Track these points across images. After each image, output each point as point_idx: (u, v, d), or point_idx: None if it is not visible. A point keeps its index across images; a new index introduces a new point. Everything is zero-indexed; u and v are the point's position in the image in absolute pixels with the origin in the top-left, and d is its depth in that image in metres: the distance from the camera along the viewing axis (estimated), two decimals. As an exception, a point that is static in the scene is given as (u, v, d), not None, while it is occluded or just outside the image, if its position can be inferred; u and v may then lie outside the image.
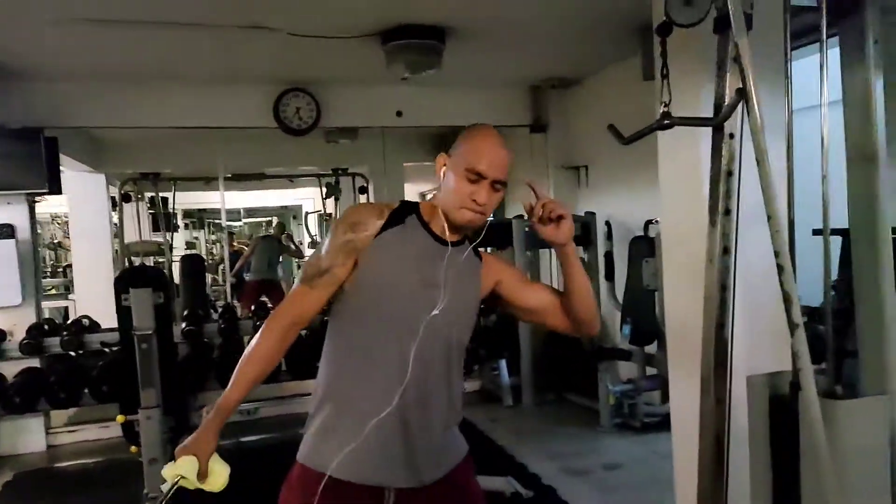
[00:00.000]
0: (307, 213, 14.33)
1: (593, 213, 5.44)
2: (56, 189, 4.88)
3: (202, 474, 1.42)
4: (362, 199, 8.98)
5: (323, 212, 10.73)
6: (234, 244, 14.18)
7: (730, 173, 1.89)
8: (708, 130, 2.40)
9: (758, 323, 2.50)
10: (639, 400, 4.69)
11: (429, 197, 1.65)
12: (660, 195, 4.58)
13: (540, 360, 5.41)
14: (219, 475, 1.44)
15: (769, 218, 1.67)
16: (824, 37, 1.89)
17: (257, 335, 1.50)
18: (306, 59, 4.56)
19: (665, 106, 1.92)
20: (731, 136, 1.88)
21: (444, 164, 1.53)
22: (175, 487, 1.40)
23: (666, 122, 1.90)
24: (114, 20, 3.60)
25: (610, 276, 5.15)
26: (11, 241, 4.69)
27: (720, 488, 1.90)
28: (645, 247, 4.50)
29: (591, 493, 3.64)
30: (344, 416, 1.48)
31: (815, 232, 2.17)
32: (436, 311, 1.46)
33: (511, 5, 3.73)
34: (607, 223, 5.20)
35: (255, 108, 5.20)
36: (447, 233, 1.53)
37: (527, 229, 5.33)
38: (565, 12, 3.91)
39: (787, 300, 1.66)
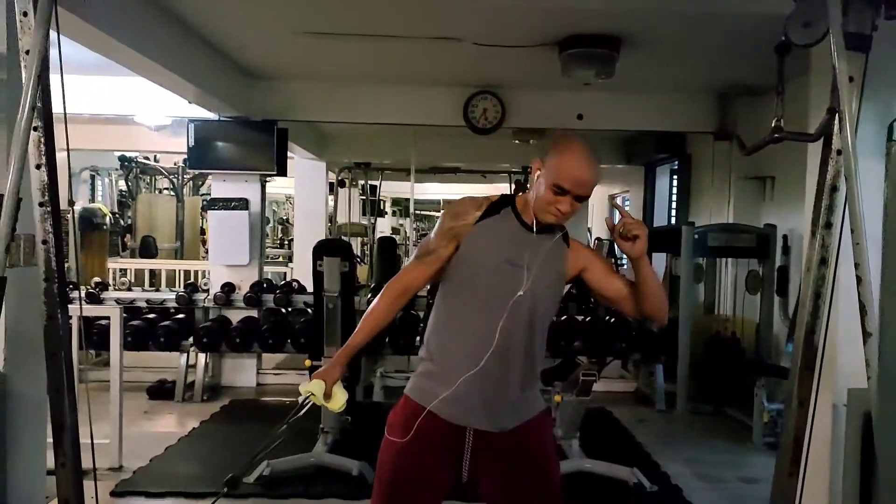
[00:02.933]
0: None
1: (774, 226, 5.26)
2: (283, 172, 5.88)
3: (327, 395, 1.80)
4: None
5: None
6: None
7: (834, 188, 1.96)
8: (866, 148, 2.45)
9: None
10: (799, 422, 4.50)
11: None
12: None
13: (698, 369, 5.36)
14: (339, 399, 1.83)
15: (851, 231, 1.76)
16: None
17: (377, 297, 1.92)
18: (491, 65, 5.01)
19: (778, 120, 2.04)
20: (839, 152, 1.95)
21: (539, 170, 1.81)
22: (306, 400, 1.83)
23: (776, 135, 2.03)
24: (334, 33, 4.32)
25: (782, 291, 4.96)
26: (245, 213, 5.76)
27: (793, 488, 1.99)
28: (816, 264, 4.31)
29: (719, 500, 3.67)
30: (442, 368, 1.84)
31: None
32: (521, 292, 1.77)
33: (686, 19, 3.83)
34: (784, 237, 5.01)
35: (448, 107, 5.78)
36: (535, 223, 1.82)
37: (696, 236, 5.30)
38: (747, 28, 3.90)
39: (862, 310, 1.74)
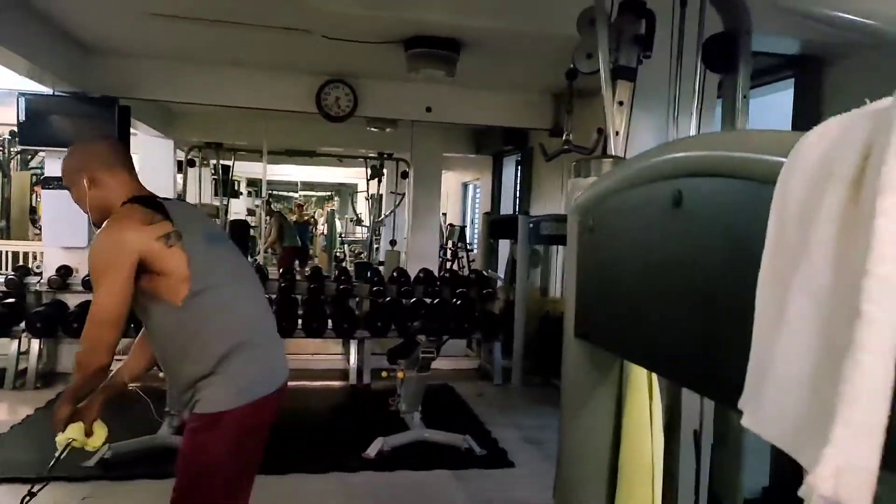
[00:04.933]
0: (352, 193, 15.19)
1: (596, 217, 5.88)
2: (125, 151, 5.67)
3: (88, 433, 1.87)
4: (404, 183, 9.64)
5: (367, 192, 11.50)
6: (298, 215, 15.24)
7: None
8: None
9: None
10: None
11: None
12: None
13: (531, 345, 5.91)
14: (99, 436, 1.91)
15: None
16: None
17: None
18: (342, 56, 5.17)
19: (567, 134, 2.42)
20: (615, 163, 2.37)
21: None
22: (66, 448, 1.87)
23: (566, 147, 2.41)
24: (183, 17, 4.29)
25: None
26: (84, 192, 5.49)
27: None
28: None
29: (539, 457, 4.16)
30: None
31: None
32: None
33: (515, 32, 4.23)
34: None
35: (301, 94, 5.86)
36: None
37: (531, 225, 5.82)
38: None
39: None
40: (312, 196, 23.08)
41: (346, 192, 20.63)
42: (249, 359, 1.91)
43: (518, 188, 8.45)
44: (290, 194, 21.45)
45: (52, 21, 4.54)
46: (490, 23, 4.03)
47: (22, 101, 5.23)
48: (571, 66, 2.40)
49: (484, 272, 6.89)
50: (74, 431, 1.85)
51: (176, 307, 1.84)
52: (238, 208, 15.49)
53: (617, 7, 2.30)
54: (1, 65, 4.44)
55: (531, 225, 5.81)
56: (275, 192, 22.32)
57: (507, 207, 8.86)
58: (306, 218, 16.05)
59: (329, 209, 18.29)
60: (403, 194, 9.86)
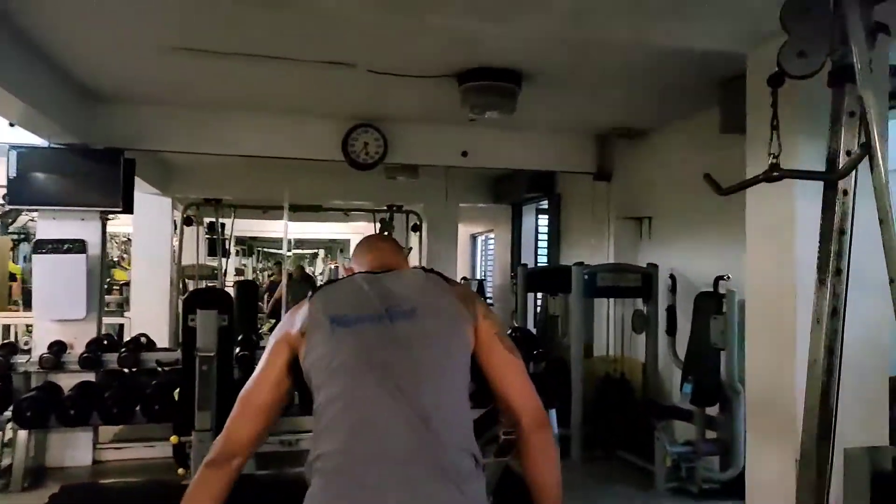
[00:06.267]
0: (342, 249, 14.51)
1: (656, 266, 5.33)
2: (129, 208, 5.01)
3: None
4: (414, 237, 9.05)
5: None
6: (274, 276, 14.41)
7: (842, 231, 1.80)
8: (805, 188, 2.33)
9: (850, 392, 2.37)
10: (697, 464, 4.48)
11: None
12: (728, 251, 4.51)
13: (591, 413, 5.24)
14: None
15: (892, 281, 1.58)
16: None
17: None
18: (380, 95, 4.63)
19: (774, 158, 1.85)
20: (846, 192, 1.80)
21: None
22: None
23: (776, 174, 1.83)
24: (208, 50, 3.72)
25: (671, 330, 5.00)
26: (83, 257, 4.77)
27: (819, 569, 1.76)
28: (713, 303, 4.36)
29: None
30: None
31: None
32: None
33: (587, 53, 3.74)
34: (671, 276, 5.08)
35: (326, 140, 5.29)
36: None
37: (586, 276, 5.24)
38: (644, 61, 3.89)
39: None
40: (304, 253, 22.37)
41: (335, 248, 20.02)
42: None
43: (544, 238, 7.92)
44: (277, 251, 20.75)
45: (51, 60, 3.93)
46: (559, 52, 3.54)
47: (13, 154, 4.57)
48: (777, 69, 1.83)
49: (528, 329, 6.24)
50: None
51: None
52: (229, 269, 14.75)
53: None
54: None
55: (586, 276, 5.23)
56: (263, 250, 21.61)
57: (526, 258, 8.30)
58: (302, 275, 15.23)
59: (332, 266, 17.60)
60: (411, 248, 9.28)
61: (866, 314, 1.84)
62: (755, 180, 1.89)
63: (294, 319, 1.57)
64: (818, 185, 2.37)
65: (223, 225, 9.52)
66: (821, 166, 2.04)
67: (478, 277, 10.81)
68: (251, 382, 1.57)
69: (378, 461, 1.35)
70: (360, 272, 1.69)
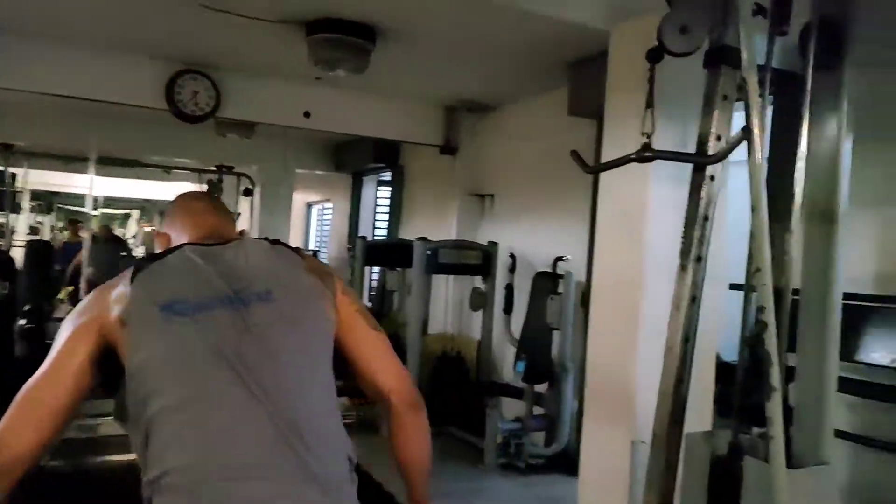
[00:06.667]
0: (161, 211, 13.30)
1: (496, 244, 5.33)
2: None
3: None
4: (245, 202, 8.42)
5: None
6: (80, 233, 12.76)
7: (706, 217, 1.77)
8: (659, 172, 2.31)
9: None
10: (525, 440, 4.57)
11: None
12: (568, 232, 4.61)
13: (426, 390, 5.16)
14: None
15: (757, 270, 1.55)
16: (808, 87, 1.83)
17: None
18: (215, 37, 4.13)
19: (647, 137, 1.77)
20: (713, 178, 1.76)
21: None
22: None
23: (648, 153, 1.75)
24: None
25: (508, 309, 5.03)
26: None
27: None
28: (550, 284, 4.42)
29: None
30: None
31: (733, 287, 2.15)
32: None
33: (447, 13, 3.56)
34: (512, 255, 5.10)
35: (147, 85, 4.65)
36: None
37: (428, 252, 5.12)
38: (501, 33, 3.78)
39: (766, 361, 1.53)
40: (115, 213, 20.26)
41: (151, 209, 18.36)
42: None
43: (385, 210, 7.71)
44: (83, 210, 18.58)
45: None
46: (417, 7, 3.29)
47: None
48: (657, 44, 1.75)
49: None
50: None
51: None
52: (19, 226, 12.89)
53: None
54: None
55: (428, 252, 5.10)
56: (63, 207, 19.25)
57: (365, 231, 8.07)
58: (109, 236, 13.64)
59: (147, 228, 16.05)
60: (240, 214, 8.66)
61: (704, 301, 1.83)
62: (626, 159, 1.80)
63: (107, 301, 1.22)
64: (672, 170, 2.38)
65: (14, 175, 8.24)
66: (679, 149, 2.03)
67: (312, 248, 10.40)
68: (39, 377, 1.18)
69: (242, 474, 1.11)
70: (185, 243, 1.35)
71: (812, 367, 1.95)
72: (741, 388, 1.95)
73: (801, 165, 1.83)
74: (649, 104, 1.78)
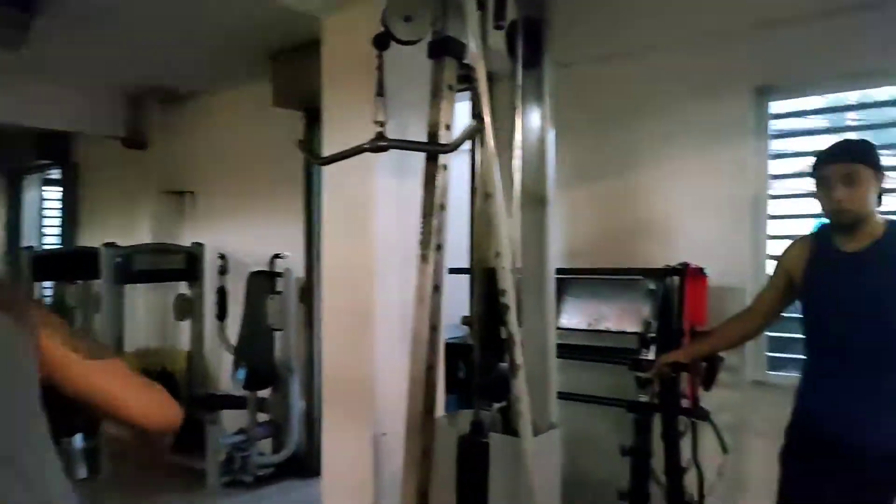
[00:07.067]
0: None
1: (201, 245, 4.89)
2: None
3: None
4: None
5: None
6: None
7: (442, 207, 1.79)
8: (384, 164, 2.31)
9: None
10: (252, 451, 4.29)
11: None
12: (285, 228, 4.42)
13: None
14: None
15: (497, 255, 1.61)
16: (519, 82, 1.96)
17: None
18: None
19: (381, 126, 1.72)
20: (445, 167, 1.79)
21: None
22: None
23: (382, 143, 1.70)
24: None
25: (222, 315, 4.66)
26: None
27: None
28: (268, 283, 4.19)
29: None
30: None
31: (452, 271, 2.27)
32: None
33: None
34: (221, 256, 4.72)
35: None
36: None
37: (119, 259, 4.48)
38: (192, 12, 3.42)
39: (510, 341, 1.60)
40: None
41: None
42: None
43: (58, 215, 6.58)
44: None
45: None
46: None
47: None
48: (383, 29, 1.71)
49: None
50: None
51: None
52: None
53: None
54: None
55: (119, 260, 4.47)
56: None
57: (32, 240, 6.82)
58: None
59: None
60: None
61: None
62: (359, 149, 1.73)
63: None
64: (396, 161, 2.39)
65: None
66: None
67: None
68: None
69: None
70: None
71: (536, 339, 2.11)
72: (479, 367, 2.03)
73: (518, 153, 1.95)
74: (380, 93, 1.73)
